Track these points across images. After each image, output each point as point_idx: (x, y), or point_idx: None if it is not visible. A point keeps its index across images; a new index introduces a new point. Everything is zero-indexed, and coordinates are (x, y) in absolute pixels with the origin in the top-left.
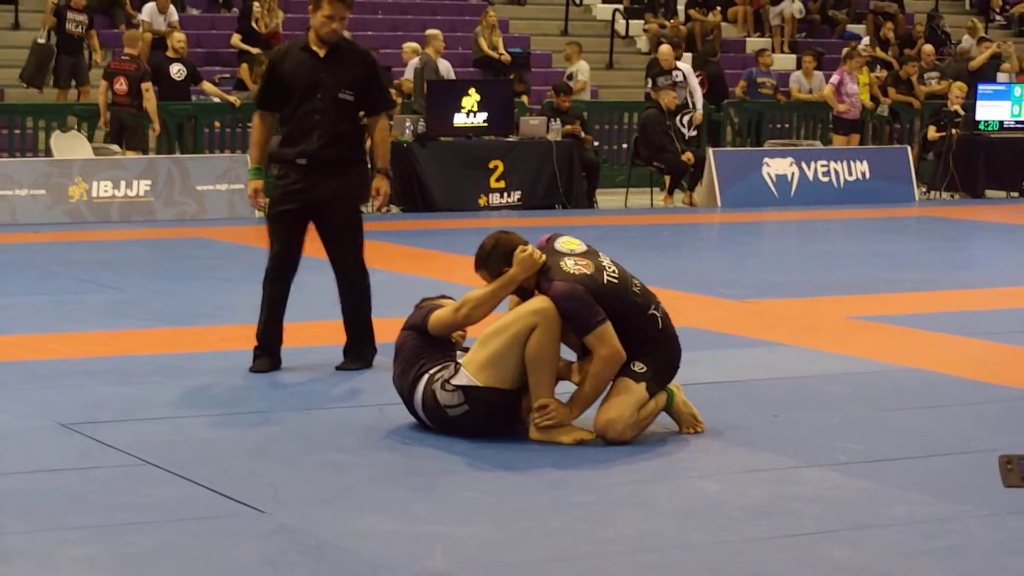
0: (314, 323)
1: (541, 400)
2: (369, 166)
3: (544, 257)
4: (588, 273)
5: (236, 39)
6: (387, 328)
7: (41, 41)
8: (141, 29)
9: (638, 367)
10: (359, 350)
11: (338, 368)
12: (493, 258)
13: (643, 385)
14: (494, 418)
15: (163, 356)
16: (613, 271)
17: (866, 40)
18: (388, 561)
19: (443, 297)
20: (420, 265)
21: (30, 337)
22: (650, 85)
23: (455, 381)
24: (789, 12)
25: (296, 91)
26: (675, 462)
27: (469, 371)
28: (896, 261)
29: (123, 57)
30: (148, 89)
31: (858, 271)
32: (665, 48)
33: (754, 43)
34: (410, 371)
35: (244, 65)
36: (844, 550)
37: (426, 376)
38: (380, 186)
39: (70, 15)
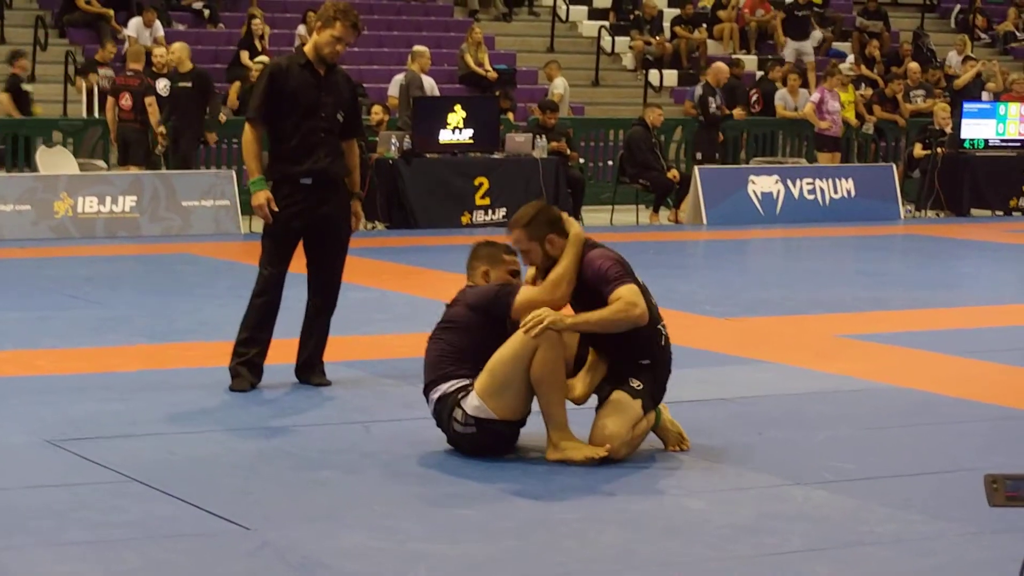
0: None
1: (534, 313)
2: None
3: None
4: (623, 259)
5: (245, 56)
6: (375, 345)
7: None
8: (127, 44)
9: (635, 384)
10: (322, 366)
11: (316, 384)
12: (537, 222)
13: (639, 402)
14: (495, 445)
15: (149, 372)
16: (637, 277)
17: (851, 58)
18: None
19: (493, 260)
20: (406, 282)
21: (15, 353)
22: (715, 105)
23: (469, 409)
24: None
25: (299, 108)
26: (661, 480)
27: (482, 398)
28: (882, 279)
29: (127, 72)
30: (152, 104)
31: (844, 289)
32: (722, 66)
33: (739, 60)
34: (449, 366)
35: (237, 83)
36: (830, 568)
37: (463, 382)
38: (357, 209)
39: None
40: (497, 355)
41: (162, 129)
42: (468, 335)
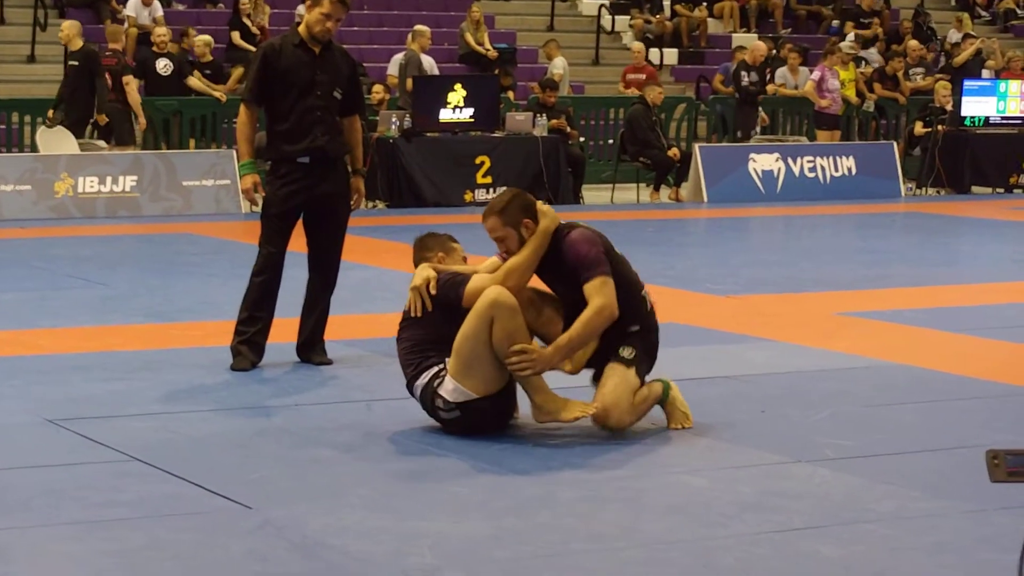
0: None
1: (520, 344)
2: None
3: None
4: (602, 235)
5: (236, 36)
6: (376, 324)
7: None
8: (126, 24)
9: (627, 352)
10: (323, 344)
11: (317, 363)
12: (512, 208)
13: (633, 370)
14: (484, 423)
15: (150, 352)
16: (616, 251)
17: (851, 36)
18: (375, 557)
19: (445, 247)
20: (406, 261)
21: (16, 333)
22: (747, 80)
23: (448, 395)
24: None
25: (294, 87)
26: (663, 458)
27: (456, 380)
28: (882, 257)
29: (106, 52)
30: (129, 83)
31: (845, 267)
32: (760, 44)
33: (740, 38)
34: (417, 358)
35: (240, 69)
36: (832, 545)
37: (433, 369)
38: (359, 186)
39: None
40: (460, 335)
41: (50, 112)
42: (426, 326)
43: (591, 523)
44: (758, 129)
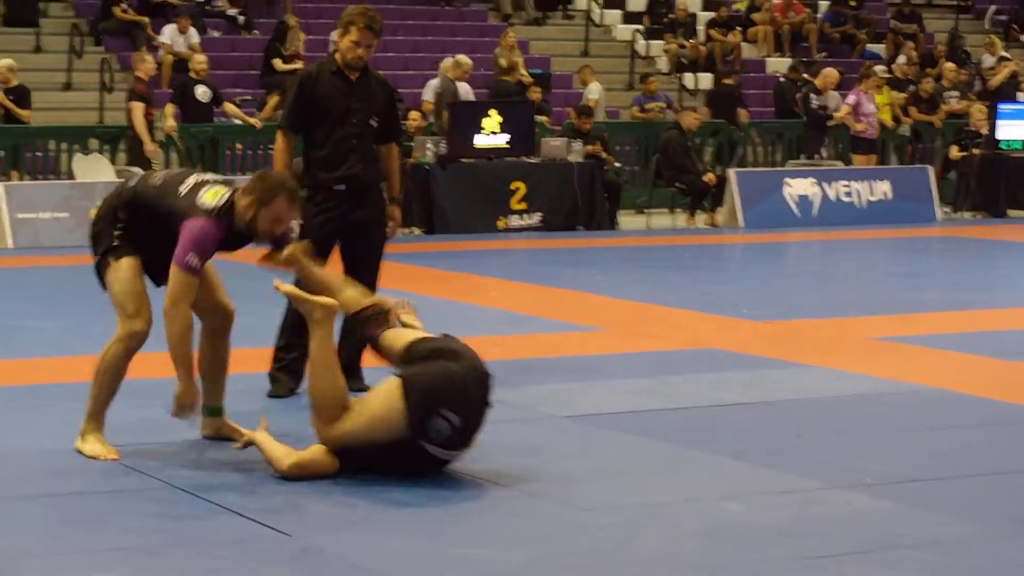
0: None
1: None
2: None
3: None
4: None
5: (279, 63)
6: None
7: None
8: (162, 51)
9: None
10: (360, 370)
11: (355, 389)
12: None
13: None
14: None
15: None
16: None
17: (901, 59)
18: None
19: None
20: (443, 287)
21: (53, 360)
22: (816, 104)
23: None
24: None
25: (330, 114)
26: (699, 483)
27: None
28: (919, 281)
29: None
30: (133, 108)
31: (881, 291)
32: (831, 71)
33: (774, 63)
34: None
35: (276, 96)
36: (869, 571)
37: None
38: (395, 214)
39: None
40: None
41: None
42: None
43: (627, 549)
44: (823, 152)
